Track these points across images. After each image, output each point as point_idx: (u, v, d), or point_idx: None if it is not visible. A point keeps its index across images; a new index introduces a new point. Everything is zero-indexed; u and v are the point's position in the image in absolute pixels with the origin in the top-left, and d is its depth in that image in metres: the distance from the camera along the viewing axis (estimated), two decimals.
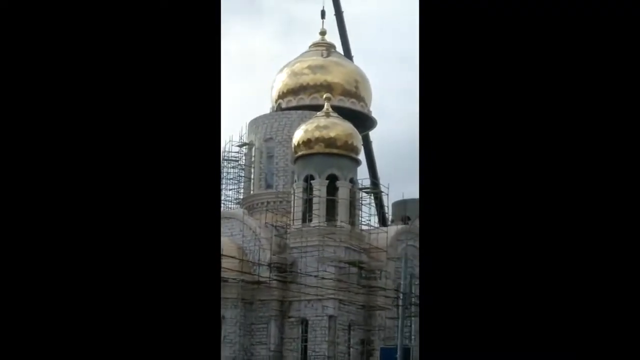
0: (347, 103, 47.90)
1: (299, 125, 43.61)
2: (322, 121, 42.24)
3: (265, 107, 50.32)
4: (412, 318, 36.47)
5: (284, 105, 48.39)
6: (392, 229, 42.92)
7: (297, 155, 42.20)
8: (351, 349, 40.01)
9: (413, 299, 34.52)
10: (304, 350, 39.28)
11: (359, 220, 42.34)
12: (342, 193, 41.07)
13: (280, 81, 49.22)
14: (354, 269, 40.16)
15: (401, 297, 33.10)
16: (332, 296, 38.85)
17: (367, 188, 43.97)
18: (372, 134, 51.13)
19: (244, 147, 47.15)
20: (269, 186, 46.10)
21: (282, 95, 48.77)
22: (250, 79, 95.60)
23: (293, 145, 42.62)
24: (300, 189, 41.36)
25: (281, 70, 49.70)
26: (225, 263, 37.33)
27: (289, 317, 39.71)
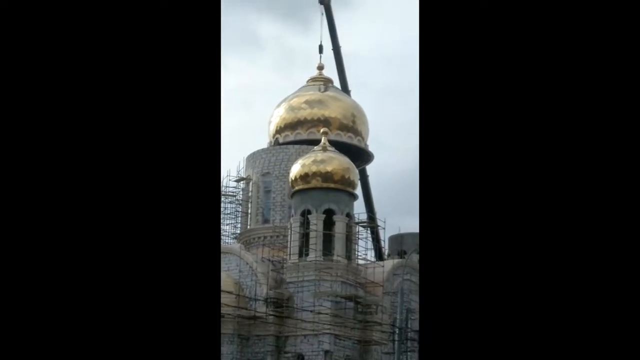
0: (344, 137, 48.08)
1: (296, 159, 43.76)
2: (319, 155, 42.40)
3: (263, 141, 50.60)
4: (409, 353, 36.42)
5: (281, 140, 48.58)
6: (389, 264, 42.93)
7: (294, 189, 42.31)
8: None
9: (409, 334, 34.47)
10: None
11: (355, 254, 42.32)
12: (339, 227, 41.12)
13: (278, 116, 49.43)
14: (350, 304, 40.11)
15: (397, 332, 33.10)
16: (328, 331, 38.77)
17: (364, 222, 44.02)
18: (369, 168, 51.36)
19: (242, 181, 47.29)
20: (266, 221, 46.18)
21: (279, 130, 48.98)
22: (248, 113, 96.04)
23: (290, 180, 42.76)
24: (297, 224, 41.41)
25: (279, 104, 49.95)
26: (222, 298, 37.29)
27: (286, 353, 39.60)
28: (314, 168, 41.86)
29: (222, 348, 38.97)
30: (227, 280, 40.16)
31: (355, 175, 43.13)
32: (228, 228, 46.70)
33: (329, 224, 41.17)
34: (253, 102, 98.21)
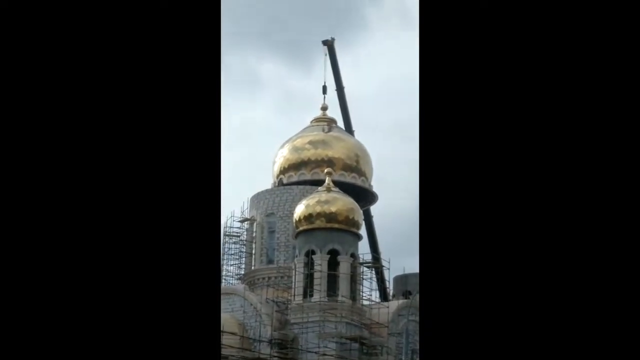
0: (348, 178, 48.12)
1: (300, 200, 43.74)
2: (323, 196, 42.38)
3: (267, 181, 50.64)
4: None
5: (285, 181, 48.62)
6: (394, 304, 42.70)
7: (298, 230, 42.24)
8: None
9: None
10: None
11: (360, 295, 42.13)
12: (343, 268, 40.98)
13: (282, 156, 49.53)
14: (356, 345, 39.82)
15: None
16: None
17: (368, 263, 43.84)
18: (373, 209, 51.27)
19: (246, 222, 47.24)
20: (270, 261, 46.03)
21: (283, 171, 49.04)
22: (249, 152, 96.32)
23: (294, 220, 42.70)
24: (302, 264, 41.28)
25: (283, 145, 50.06)
26: (225, 340, 37.07)
27: None
28: (318, 208, 41.83)
29: None
30: (230, 321, 39.93)
31: (359, 215, 43.07)
32: (232, 268, 46.60)
33: (333, 264, 41.04)
34: (254, 142, 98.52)
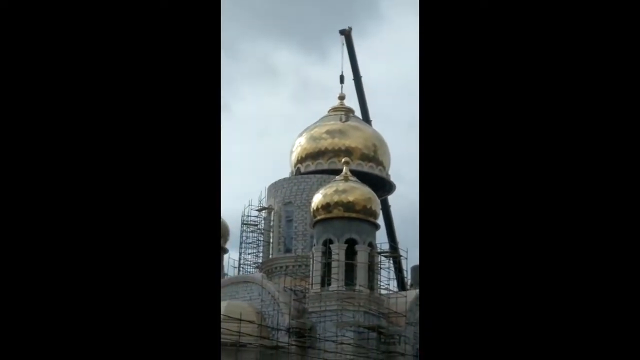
0: (366, 167, 48.11)
1: (317, 189, 43.75)
2: (341, 185, 42.35)
3: (285, 171, 50.68)
4: None
5: (302, 170, 48.64)
6: (411, 294, 42.67)
7: (316, 219, 42.24)
8: None
9: None
10: None
11: (377, 284, 42.14)
12: (361, 257, 40.97)
13: (299, 145, 49.54)
14: (373, 334, 39.85)
15: None
16: None
17: (386, 252, 43.85)
18: (391, 199, 51.24)
19: (263, 211, 47.30)
20: (287, 250, 46.11)
21: (301, 160, 49.05)
22: (266, 142, 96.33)
23: (312, 209, 42.72)
24: (319, 253, 41.30)
25: (300, 134, 50.07)
26: (244, 328, 37.18)
27: None
28: (335, 198, 41.81)
29: None
30: (248, 310, 40.05)
31: (377, 205, 43.03)
32: (250, 257, 46.72)
33: (351, 253, 41.03)
34: (271, 131, 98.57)
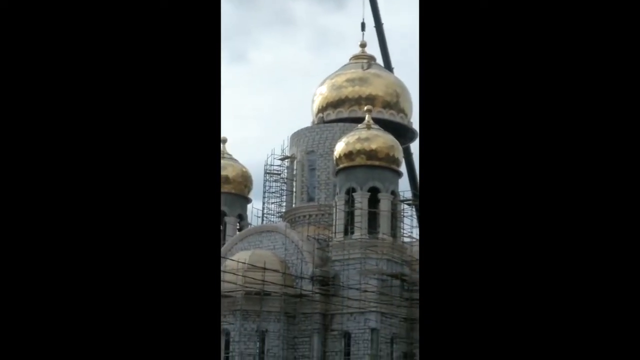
0: (387, 115, 47.91)
1: (340, 137, 43.65)
2: (364, 133, 42.26)
3: (307, 120, 50.58)
4: None
5: (325, 118, 48.48)
6: None
7: (338, 167, 42.26)
8: None
9: None
10: None
11: (400, 232, 42.24)
12: (384, 205, 41.03)
13: (321, 94, 49.35)
14: (396, 282, 40.07)
15: None
16: (375, 309, 38.80)
17: (409, 200, 43.85)
18: (413, 146, 51.11)
19: (286, 160, 47.33)
20: (310, 199, 46.18)
21: (322, 109, 48.90)
22: (284, 91, 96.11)
23: (334, 158, 42.70)
24: (342, 202, 41.38)
25: (322, 83, 49.85)
26: (268, 276, 37.48)
27: (332, 331, 39.67)
28: (358, 146, 41.76)
29: (269, 326, 39.20)
30: (272, 259, 40.29)
31: (399, 152, 42.95)
32: (273, 207, 46.86)
33: (373, 201, 41.10)
34: (289, 80, 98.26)
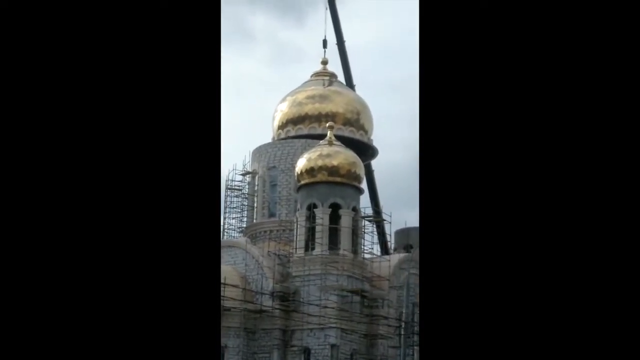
0: (347, 132, 47.98)
1: (301, 154, 43.72)
2: (325, 150, 42.36)
3: (267, 135, 50.59)
4: (415, 347, 36.41)
5: (283, 135, 48.52)
6: (395, 258, 42.95)
7: (300, 183, 42.29)
8: None
9: (415, 328, 34.49)
10: None
11: (361, 248, 42.34)
12: (345, 221, 41.11)
13: (281, 110, 49.40)
14: (357, 298, 40.11)
15: (403, 326, 33.10)
16: (335, 325, 38.79)
17: (370, 216, 44.02)
18: (374, 163, 51.30)
19: (247, 175, 47.26)
20: (272, 215, 46.15)
21: (282, 125, 48.92)
22: (243, 104, 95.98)
23: (296, 174, 42.74)
24: (303, 217, 41.40)
25: (283, 99, 49.91)
26: (228, 292, 37.27)
27: (292, 346, 39.58)
28: (320, 162, 41.85)
29: (228, 341, 39.00)
30: (233, 274, 40.14)
31: (361, 169, 43.10)
32: (234, 222, 46.77)
33: (335, 218, 41.16)
34: (248, 95, 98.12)
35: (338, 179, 41.59)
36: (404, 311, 34.01)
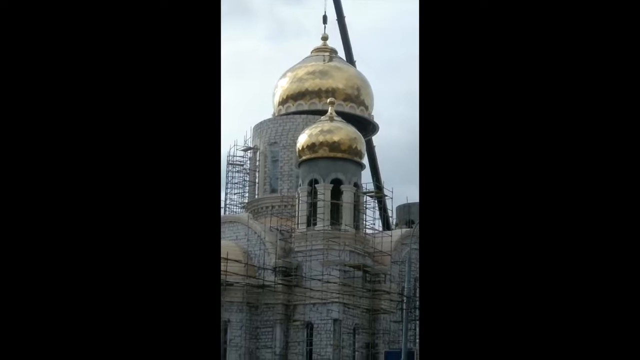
0: (347, 108, 47.92)
1: (302, 129, 43.72)
2: (326, 125, 42.36)
3: (268, 111, 50.56)
4: (416, 321, 36.61)
5: (283, 111, 48.49)
6: (396, 233, 43.09)
7: (301, 159, 42.31)
8: (356, 353, 40.09)
9: (417, 303, 34.65)
10: (309, 353, 39.35)
11: (363, 224, 42.46)
12: (347, 197, 41.19)
13: (282, 86, 49.33)
14: (359, 273, 40.28)
15: (405, 301, 33.26)
16: (337, 300, 38.98)
17: (371, 192, 44.13)
18: (375, 139, 51.30)
19: (249, 151, 47.29)
20: (273, 190, 46.21)
21: (283, 101, 48.88)
22: (246, 82, 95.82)
23: (297, 150, 42.75)
24: (305, 193, 41.48)
25: (284, 75, 49.83)
26: (230, 267, 37.43)
27: (294, 321, 39.79)
28: (321, 138, 41.87)
29: (231, 316, 39.22)
30: (235, 249, 40.27)
31: (362, 144, 43.12)
32: (236, 197, 46.83)
33: (336, 193, 41.24)
34: (249, 71, 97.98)
35: (339, 155, 41.62)
36: (405, 286, 34.05)
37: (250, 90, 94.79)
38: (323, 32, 51.92)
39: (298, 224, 41.48)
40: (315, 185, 41.28)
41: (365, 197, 43.16)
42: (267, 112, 50.73)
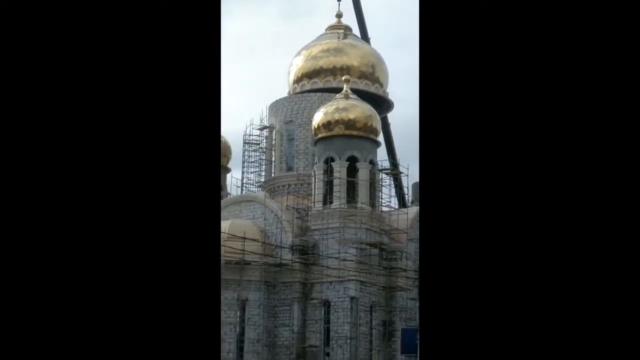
0: (362, 85, 47.85)
1: (318, 107, 43.70)
2: (342, 103, 42.33)
3: (283, 90, 50.57)
4: None
5: (298, 89, 48.49)
6: (412, 211, 43.11)
7: (317, 137, 42.34)
8: (373, 330, 40.26)
9: None
10: (327, 331, 39.52)
11: (379, 201, 42.51)
12: (362, 175, 41.24)
13: (296, 64, 49.29)
14: (375, 251, 40.37)
15: None
16: (354, 278, 39.08)
17: (387, 169, 44.14)
18: (390, 117, 51.26)
19: (265, 130, 47.36)
20: (289, 169, 46.30)
21: (298, 79, 48.85)
22: (261, 60, 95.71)
23: (313, 128, 42.77)
24: (321, 171, 41.54)
25: (298, 53, 49.78)
26: (247, 246, 37.60)
27: (312, 299, 39.95)
28: (336, 116, 41.85)
29: (249, 295, 39.44)
30: (252, 228, 40.44)
31: (377, 122, 43.07)
32: (252, 176, 46.92)
33: (352, 171, 41.29)
34: (263, 50, 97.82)
35: (355, 132, 41.61)
36: None
37: (265, 68, 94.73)
38: (337, 9, 51.85)
39: (314, 202, 41.56)
40: (331, 163, 41.33)
41: (381, 175, 43.18)
42: (282, 90, 50.77)
